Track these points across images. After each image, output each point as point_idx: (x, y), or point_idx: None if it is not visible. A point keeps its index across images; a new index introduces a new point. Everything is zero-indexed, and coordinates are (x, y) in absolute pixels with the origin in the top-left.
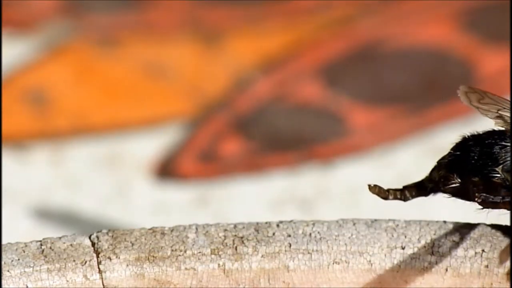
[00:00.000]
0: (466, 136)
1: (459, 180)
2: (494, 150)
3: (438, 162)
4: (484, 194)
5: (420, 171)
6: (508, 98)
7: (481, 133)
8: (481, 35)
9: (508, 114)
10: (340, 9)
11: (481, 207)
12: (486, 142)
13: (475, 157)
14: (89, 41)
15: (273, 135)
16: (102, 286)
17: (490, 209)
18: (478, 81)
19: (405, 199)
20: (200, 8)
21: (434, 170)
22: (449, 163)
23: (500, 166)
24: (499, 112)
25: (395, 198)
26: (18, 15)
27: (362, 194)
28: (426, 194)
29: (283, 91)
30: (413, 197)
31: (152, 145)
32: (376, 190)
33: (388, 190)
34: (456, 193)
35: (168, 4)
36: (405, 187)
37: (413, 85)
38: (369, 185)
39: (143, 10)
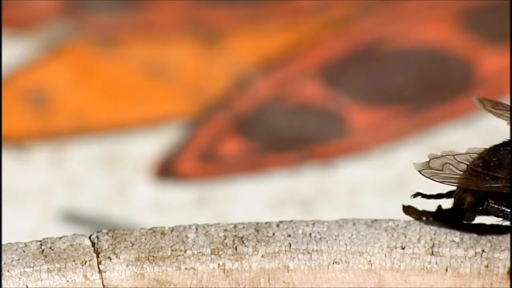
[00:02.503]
0: (479, 152)
1: (475, 197)
2: (499, 157)
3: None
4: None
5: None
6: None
7: (492, 146)
8: (481, 35)
9: None
10: (340, 9)
11: (508, 222)
12: (494, 151)
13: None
14: (89, 41)
15: (273, 135)
16: (102, 286)
17: None
18: (478, 81)
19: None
20: (200, 8)
21: (456, 193)
22: None
23: (505, 171)
24: None
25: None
26: (18, 15)
27: (362, 194)
28: (459, 220)
29: (283, 91)
30: (447, 221)
31: (152, 145)
32: (410, 211)
33: (422, 212)
34: (480, 211)
35: (168, 4)
36: (439, 210)
37: (413, 85)
38: (404, 206)
39: (143, 10)
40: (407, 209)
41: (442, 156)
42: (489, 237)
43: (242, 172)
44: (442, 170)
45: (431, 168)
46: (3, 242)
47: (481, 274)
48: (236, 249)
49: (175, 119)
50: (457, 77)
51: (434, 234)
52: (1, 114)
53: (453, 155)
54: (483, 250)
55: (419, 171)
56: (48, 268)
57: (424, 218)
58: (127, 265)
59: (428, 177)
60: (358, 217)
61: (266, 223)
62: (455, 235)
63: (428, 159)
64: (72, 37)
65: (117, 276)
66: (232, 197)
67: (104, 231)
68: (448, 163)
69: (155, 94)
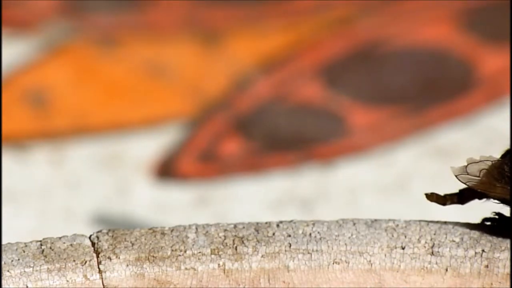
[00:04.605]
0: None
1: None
2: None
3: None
4: None
5: (420, 171)
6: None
7: None
8: (481, 35)
9: None
10: (340, 9)
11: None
12: None
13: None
14: (89, 41)
15: (273, 135)
16: (102, 286)
17: None
18: (478, 81)
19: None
20: (200, 8)
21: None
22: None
23: None
24: None
25: (453, 203)
26: (18, 15)
27: (362, 194)
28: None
29: (283, 91)
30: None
31: (152, 145)
32: (434, 198)
33: (445, 197)
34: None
35: (168, 4)
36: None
37: (413, 85)
38: (427, 194)
39: (143, 10)
40: (431, 197)
41: (480, 161)
42: (489, 237)
43: (242, 172)
44: (479, 177)
45: (468, 174)
46: (3, 242)
47: (481, 274)
48: (236, 249)
49: (175, 119)
50: (457, 77)
51: (434, 234)
52: (1, 114)
53: (492, 161)
54: (483, 250)
55: (456, 176)
56: (48, 268)
57: (449, 203)
58: (127, 265)
59: (464, 183)
60: (358, 217)
61: (266, 223)
62: (455, 235)
63: (466, 163)
64: (72, 37)
65: (117, 276)
66: (232, 197)
67: (104, 231)
68: (486, 169)
69: (155, 94)
